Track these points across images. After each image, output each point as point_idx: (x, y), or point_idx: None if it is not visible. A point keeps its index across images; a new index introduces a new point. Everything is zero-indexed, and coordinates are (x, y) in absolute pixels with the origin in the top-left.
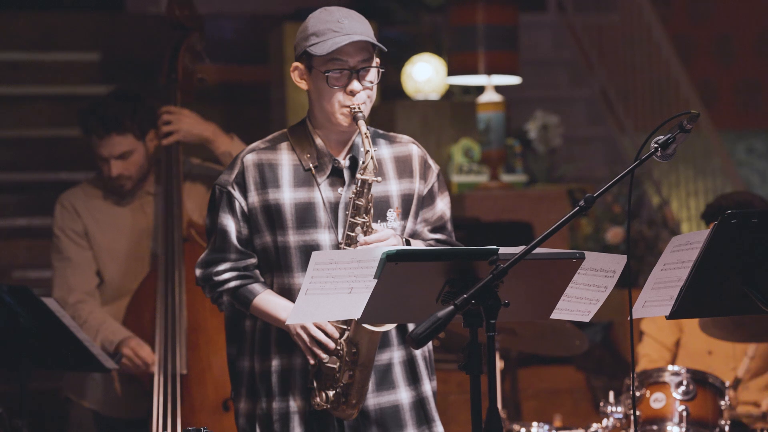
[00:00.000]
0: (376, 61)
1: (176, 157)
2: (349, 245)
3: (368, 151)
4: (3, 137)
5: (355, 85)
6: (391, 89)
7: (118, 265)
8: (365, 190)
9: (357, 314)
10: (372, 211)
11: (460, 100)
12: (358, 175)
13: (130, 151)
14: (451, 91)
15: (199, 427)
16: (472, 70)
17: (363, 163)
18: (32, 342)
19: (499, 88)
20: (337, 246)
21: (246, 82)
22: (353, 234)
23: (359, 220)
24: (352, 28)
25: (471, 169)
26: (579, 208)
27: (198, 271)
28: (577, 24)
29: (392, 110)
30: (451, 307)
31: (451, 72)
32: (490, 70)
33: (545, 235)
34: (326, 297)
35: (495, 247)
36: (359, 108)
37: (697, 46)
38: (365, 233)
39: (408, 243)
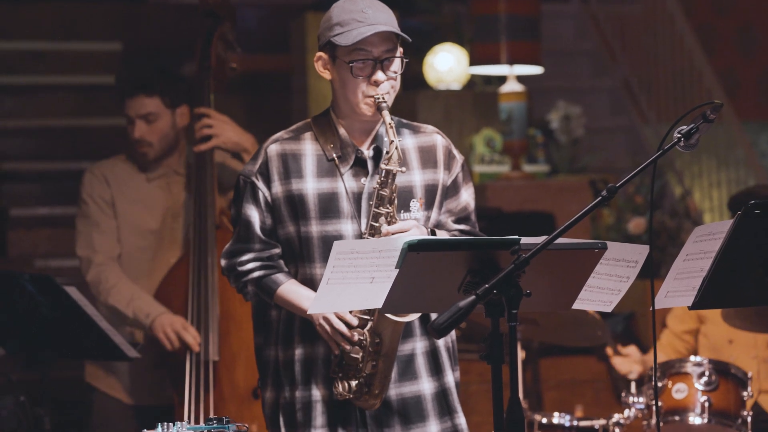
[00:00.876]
0: (400, 50)
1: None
2: (373, 235)
3: (393, 141)
4: (25, 126)
5: (379, 75)
6: (412, 79)
7: (137, 240)
8: (389, 181)
9: (378, 304)
10: (396, 201)
11: (481, 90)
12: (382, 165)
13: (155, 115)
14: (473, 81)
15: (225, 415)
16: (494, 60)
17: (387, 153)
18: (54, 331)
19: (521, 78)
20: (359, 236)
21: (268, 71)
22: (377, 224)
23: (383, 210)
24: (376, 18)
25: (493, 159)
26: (601, 199)
27: (223, 261)
28: (599, 14)
29: (414, 100)
30: (473, 296)
31: (473, 62)
32: (512, 60)
33: (567, 225)
34: (348, 286)
35: (517, 237)
36: (383, 98)
37: (721, 36)
38: (389, 223)
39: (433, 233)
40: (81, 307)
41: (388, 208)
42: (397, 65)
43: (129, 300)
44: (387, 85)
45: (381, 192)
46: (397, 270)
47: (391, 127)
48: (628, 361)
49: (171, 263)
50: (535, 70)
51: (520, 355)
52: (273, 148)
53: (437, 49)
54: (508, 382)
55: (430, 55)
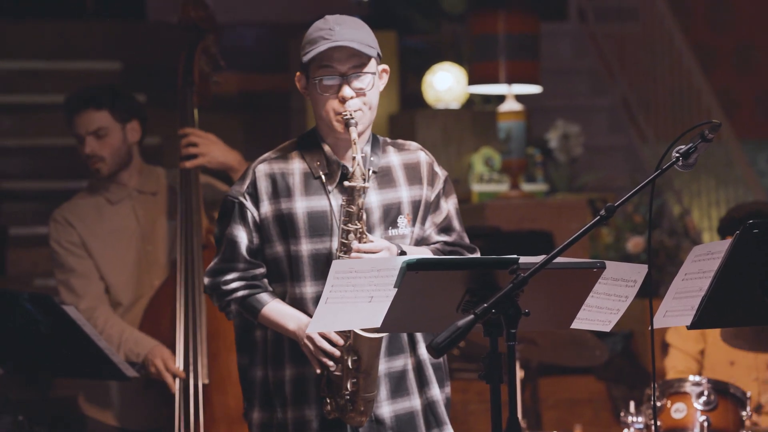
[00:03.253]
0: (381, 68)
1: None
2: (345, 252)
3: (354, 157)
4: (24, 145)
5: (345, 91)
6: (411, 98)
7: (120, 269)
8: (355, 197)
9: (377, 323)
10: (364, 217)
11: (480, 109)
12: (345, 183)
13: (105, 129)
14: (472, 100)
15: None
16: (493, 79)
17: (351, 170)
18: (52, 350)
19: (519, 97)
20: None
21: (266, 90)
22: (347, 241)
23: (351, 227)
24: (343, 34)
25: (491, 178)
26: (600, 218)
27: (206, 280)
28: (598, 33)
29: (413, 119)
30: (471, 316)
31: (472, 81)
32: (511, 79)
33: (566, 244)
34: (346, 306)
35: (515, 256)
36: (351, 114)
37: (719, 55)
38: (359, 240)
39: (404, 253)
40: (79, 326)
41: (356, 225)
42: (365, 81)
43: (118, 343)
44: (357, 101)
45: (348, 209)
46: (396, 289)
47: (355, 143)
48: None
49: (155, 286)
50: (534, 89)
51: (519, 374)
52: (261, 168)
53: (436, 69)
54: (507, 401)
55: (428, 75)
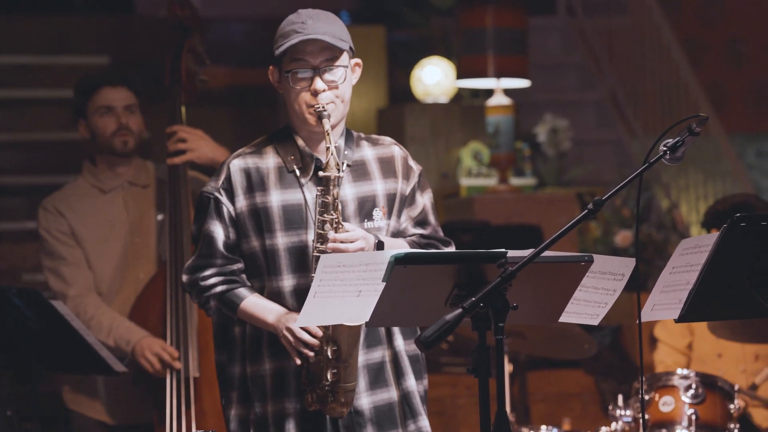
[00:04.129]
0: (354, 61)
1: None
2: (322, 243)
3: (328, 147)
4: (15, 140)
5: (317, 84)
6: (400, 92)
7: (106, 260)
8: (330, 187)
9: (366, 317)
10: (340, 207)
11: (469, 104)
12: (320, 173)
13: (135, 107)
14: (461, 95)
15: (208, 429)
16: (482, 74)
17: (325, 162)
18: (41, 345)
19: (508, 92)
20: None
21: (255, 84)
22: (323, 231)
23: (327, 217)
24: (315, 28)
25: (480, 172)
26: (588, 212)
27: (185, 277)
28: (586, 27)
29: (401, 113)
30: (460, 310)
31: (461, 75)
32: (500, 74)
33: (554, 238)
34: (334, 300)
35: (504, 250)
36: (323, 107)
37: (708, 49)
38: (335, 230)
39: (381, 243)
40: (68, 321)
41: (332, 215)
42: (337, 75)
43: (108, 330)
44: (329, 94)
45: (323, 199)
46: (384, 283)
47: (328, 134)
48: None
49: (140, 279)
50: (522, 83)
51: (508, 368)
52: (236, 164)
53: (424, 63)
54: (496, 395)
55: (417, 69)
